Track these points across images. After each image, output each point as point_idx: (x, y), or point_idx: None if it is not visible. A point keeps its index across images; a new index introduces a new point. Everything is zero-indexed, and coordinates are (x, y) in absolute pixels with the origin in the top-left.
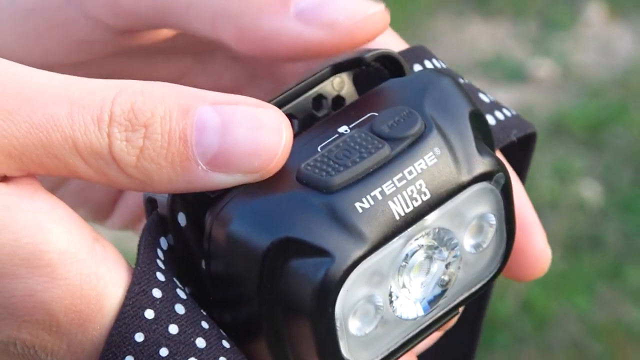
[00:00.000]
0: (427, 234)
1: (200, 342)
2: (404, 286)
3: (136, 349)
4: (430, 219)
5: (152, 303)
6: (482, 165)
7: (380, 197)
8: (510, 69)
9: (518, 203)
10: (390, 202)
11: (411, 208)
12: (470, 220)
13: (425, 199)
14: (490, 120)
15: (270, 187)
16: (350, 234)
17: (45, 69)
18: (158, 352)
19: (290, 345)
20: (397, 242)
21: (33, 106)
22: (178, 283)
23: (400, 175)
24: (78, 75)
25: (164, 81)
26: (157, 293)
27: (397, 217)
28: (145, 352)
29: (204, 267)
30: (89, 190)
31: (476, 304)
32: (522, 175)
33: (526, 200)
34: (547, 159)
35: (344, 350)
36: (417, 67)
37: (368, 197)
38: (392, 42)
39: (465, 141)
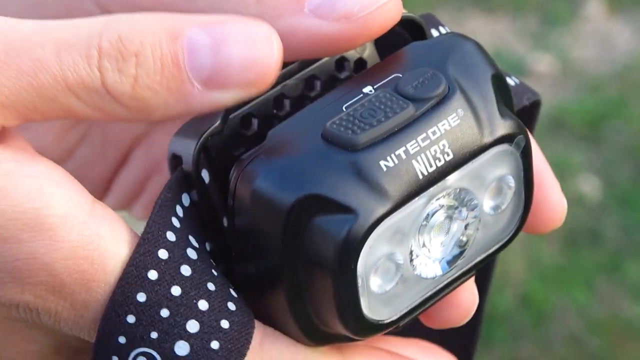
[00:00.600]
0: (448, 194)
1: (203, 305)
2: (424, 245)
3: (138, 309)
4: (452, 179)
5: (157, 264)
6: (503, 127)
7: (404, 156)
8: (509, 64)
9: (534, 158)
10: (414, 161)
11: (434, 167)
12: (490, 182)
13: (448, 159)
14: None
15: (295, 144)
16: (374, 192)
17: None
18: (159, 312)
19: (310, 300)
20: (419, 201)
21: (19, 53)
22: (193, 241)
23: (424, 135)
24: None
25: None
26: (163, 254)
27: (420, 176)
28: (146, 312)
29: (226, 223)
30: (86, 169)
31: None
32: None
33: (539, 154)
34: (546, 154)
35: (364, 306)
36: (433, 32)
37: (392, 155)
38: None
39: (488, 103)
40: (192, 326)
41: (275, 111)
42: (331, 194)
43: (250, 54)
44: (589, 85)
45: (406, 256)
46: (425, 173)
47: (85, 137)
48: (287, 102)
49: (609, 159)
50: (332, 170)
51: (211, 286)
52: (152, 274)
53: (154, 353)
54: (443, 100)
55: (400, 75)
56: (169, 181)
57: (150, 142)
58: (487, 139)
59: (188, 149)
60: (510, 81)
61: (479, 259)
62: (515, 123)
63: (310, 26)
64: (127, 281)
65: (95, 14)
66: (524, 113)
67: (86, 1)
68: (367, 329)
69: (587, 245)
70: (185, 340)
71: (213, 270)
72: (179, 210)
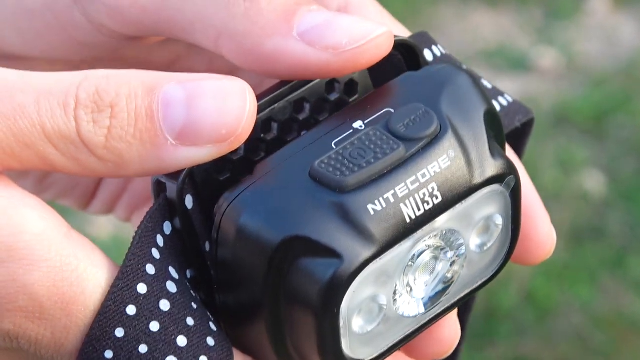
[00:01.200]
0: (436, 235)
1: (182, 341)
2: (408, 285)
3: (116, 344)
4: (440, 220)
5: (136, 299)
6: (494, 167)
7: (392, 200)
8: (514, 59)
9: (522, 186)
10: (402, 205)
11: (422, 211)
12: (478, 221)
13: (436, 202)
14: (496, 105)
15: (283, 182)
16: (360, 236)
17: (46, 65)
18: (137, 348)
19: (291, 336)
20: (405, 244)
21: (1, 97)
22: (173, 272)
23: (413, 178)
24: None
25: (160, 64)
26: (142, 288)
27: (408, 220)
28: (124, 347)
29: (208, 250)
30: (75, 178)
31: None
32: (519, 158)
33: (529, 184)
34: (550, 149)
35: (345, 347)
36: (426, 53)
37: (381, 199)
38: (394, 29)
39: (479, 142)
40: None
41: (262, 135)
42: (317, 237)
43: (221, 109)
44: (593, 80)
45: (390, 297)
46: (413, 217)
47: None
48: (275, 126)
49: (613, 154)
50: (319, 212)
51: (190, 321)
52: (131, 309)
53: None
54: (434, 141)
55: (392, 111)
56: (150, 209)
57: None
58: (477, 180)
59: (173, 177)
60: (503, 100)
61: (462, 294)
62: (505, 163)
63: (297, 51)
64: (105, 316)
65: (83, 25)
66: (516, 133)
67: (75, 12)
68: None
69: (591, 241)
70: None
71: (193, 303)
72: (160, 240)
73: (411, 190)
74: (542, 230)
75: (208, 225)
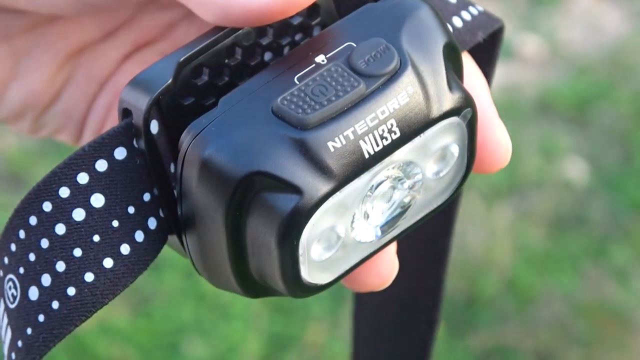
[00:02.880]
0: (394, 167)
1: (78, 251)
2: (366, 213)
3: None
4: (398, 154)
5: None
6: (451, 101)
7: (352, 137)
8: None
9: (478, 97)
10: (361, 141)
11: (380, 147)
12: (435, 151)
13: (394, 137)
14: (457, 22)
15: (247, 117)
16: (320, 172)
17: (49, 19)
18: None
19: (252, 262)
20: (364, 177)
21: None
22: (107, 197)
23: (372, 115)
24: (84, 22)
25: (153, 29)
26: (46, 206)
27: (367, 156)
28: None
29: (173, 171)
30: (72, 110)
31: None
32: (489, 68)
33: (487, 96)
34: (533, 137)
35: (304, 273)
36: None
37: (340, 136)
38: None
39: (438, 77)
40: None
41: (226, 60)
42: (279, 172)
43: None
44: (577, 67)
45: (348, 226)
46: (372, 152)
47: (70, 79)
48: (239, 51)
49: (596, 142)
50: (281, 149)
51: (96, 237)
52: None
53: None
54: (393, 78)
55: (354, 45)
56: (97, 137)
57: (119, 72)
58: (435, 114)
59: (139, 104)
60: (467, 15)
61: (418, 218)
62: (462, 96)
63: (242, 1)
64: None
65: None
66: (480, 48)
67: None
68: (305, 291)
69: (573, 229)
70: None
71: (114, 222)
72: (102, 165)
73: (370, 127)
74: (496, 139)
75: (172, 148)
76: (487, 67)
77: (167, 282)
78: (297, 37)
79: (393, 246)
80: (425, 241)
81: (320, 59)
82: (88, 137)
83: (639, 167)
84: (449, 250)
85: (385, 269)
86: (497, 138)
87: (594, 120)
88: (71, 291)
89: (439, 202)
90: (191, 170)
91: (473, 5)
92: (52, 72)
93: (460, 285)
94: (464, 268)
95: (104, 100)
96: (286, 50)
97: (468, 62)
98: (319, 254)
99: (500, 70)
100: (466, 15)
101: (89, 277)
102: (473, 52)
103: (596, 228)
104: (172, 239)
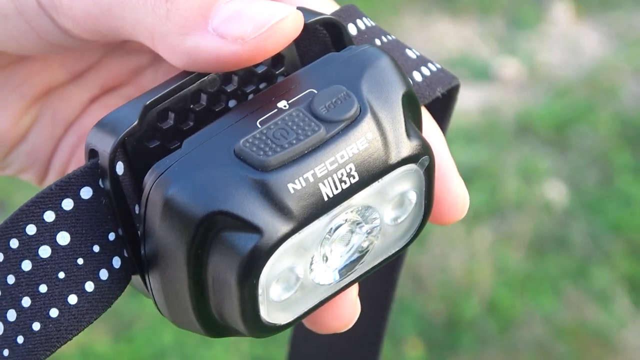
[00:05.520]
0: (352, 210)
1: (42, 288)
2: (324, 256)
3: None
4: (357, 198)
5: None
6: (409, 148)
7: (312, 180)
8: (476, 68)
9: (437, 152)
10: (320, 184)
11: (339, 190)
12: (393, 197)
13: (353, 181)
14: (417, 76)
15: (210, 158)
16: (280, 213)
17: (17, 59)
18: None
19: (213, 301)
20: (323, 219)
21: None
22: (74, 236)
23: (332, 159)
24: (51, 64)
25: (120, 74)
26: (13, 243)
27: (326, 198)
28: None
29: (137, 212)
30: (38, 151)
31: (389, 269)
32: (444, 123)
33: (444, 148)
34: (513, 159)
35: (263, 313)
36: (350, 27)
37: (300, 178)
38: (324, 3)
39: (397, 124)
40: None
41: (191, 105)
42: (240, 212)
43: (260, 10)
44: (555, 89)
45: (306, 267)
46: (331, 195)
47: (37, 120)
48: (204, 97)
49: (575, 165)
50: (243, 190)
51: (61, 274)
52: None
53: None
54: (353, 124)
55: (315, 92)
56: (65, 176)
57: (85, 115)
58: (393, 160)
59: (105, 145)
60: (426, 70)
61: (376, 263)
62: (420, 143)
63: (211, 46)
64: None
65: (52, 31)
66: (439, 103)
67: (44, 18)
68: (265, 331)
69: (553, 251)
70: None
71: (79, 260)
72: (68, 203)
73: (330, 171)
74: (454, 192)
75: (137, 189)
76: (442, 121)
77: (148, 307)
78: (261, 85)
79: (355, 289)
80: (370, 291)
81: (282, 104)
82: (53, 178)
83: (618, 189)
84: (391, 303)
85: (347, 312)
86: (455, 191)
87: (573, 143)
88: (36, 326)
89: (396, 248)
90: (154, 209)
91: (432, 62)
92: (19, 112)
93: (441, 308)
94: (444, 290)
95: (70, 142)
96: (250, 97)
97: (425, 116)
98: (278, 294)
99: (479, 93)
100: (425, 71)
101: (54, 312)
102: (429, 107)
103: (576, 250)
104: (136, 278)
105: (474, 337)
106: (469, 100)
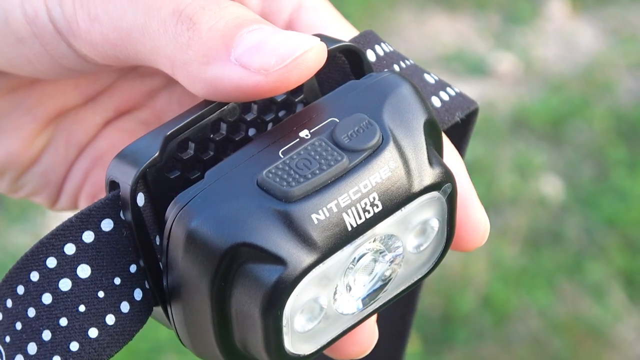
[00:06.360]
0: (375, 240)
1: (63, 321)
2: (348, 285)
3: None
4: (380, 227)
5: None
6: (432, 177)
7: (335, 210)
8: (472, 63)
9: (457, 177)
10: (344, 214)
11: (363, 219)
12: (416, 225)
13: (377, 210)
14: (436, 102)
15: (232, 189)
16: (304, 244)
17: (30, 81)
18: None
19: (236, 333)
20: (346, 250)
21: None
22: (95, 268)
23: (355, 188)
24: (65, 86)
25: (134, 97)
26: (34, 276)
27: (350, 228)
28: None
29: (158, 244)
30: (51, 173)
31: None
32: (462, 148)
33: (464, 174)
34: (508, 154)
35: (287, 344)
36: (369, 53)
37: (324, 209)
38: (343, 29)
39: (419, 152)
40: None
41: (212, 135)
42: (263, 244)
43: (283, 43)
44: (551, 84)
45: (330, 297)
46: (355, 225)
47: (50, 142)
48: (223, 126)
49: (571, 159)
50: (266, 221)
51: (82, 307)
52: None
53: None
54: (376, 153)
55: (337, 120)
56: (86, 208)
57: (99, 138)
58: (416, 189)
59: (126, 177)
60: (445, 95)
61: (399, 291)
62: (443, 171)
63: (234, 76)
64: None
65: (69, 55)
66: (457, 127)
67: (61, 43)
68: None
69: (548, 246)
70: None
71: (99, 292)
72: (88, 236)
73: (353, 200)
74: (474, 219)
75: (158, 220)
76: (461, 146)
77: None
78: (281, 113)
79: (373, 318)
80: (389, 316)
81: (304, 133)
82: (65, 201)
83: (613, 183)
84: (410, 326)
85: (365, 338)
86: (476, 218)
87: (569, 138)
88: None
89: (418, 275)
90: (177, 241)
91: (450, 86)
92: (32, 134)
93: (436, 303)
94: (439, 285)
95: (83, 165)
96: (269, 126)
97: (444, 142)
98: (302, 325)
99: (475, 88)
100: (444, 96)
101: (74, 346)
102: (448, 132)
103: (571, 244)
104: (157, 310)
105: (469, 331)
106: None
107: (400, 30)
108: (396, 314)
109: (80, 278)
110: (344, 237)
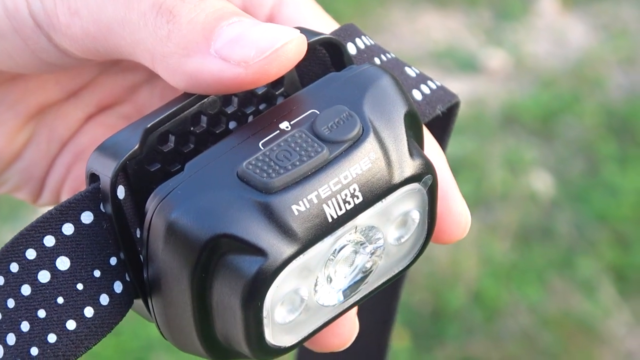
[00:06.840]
0: (356, 231)
1: (41, 313)
2: (328, 277)
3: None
4: (361, 218)
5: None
6: (412, 168)
7: (315, 201)
8: (463, 60)
9: (438, 169)
10: (324, 205)
11: (343, 211)
12: (397, 217)
13: (357, 202)
14: (417, 95)
15: (212, 181)
16: (284, 235)
17: (12, 77)
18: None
19: (217, 325)
20: (327, 241)
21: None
22: (73, 260)
23: (336, 179)
24: (46, 82)
25: (116, 92)
26: (14, 267)
27: (330, 220)
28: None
29: (139, 237)
30: (33, 169)
31: (391, 286)
32: (444, 141)
33: (446, 167)
34: (498, 150)
35: (268, 335)
36: (350, 46)
37: (305, 200)
38: (324, 23)
39: (399, 144)
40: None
41: (192, 128)
42: (244, 235)
43: (263, 34)
44: (542, 80)
45: (311, 289)
46: (335, 216)
47: (32, 137)
48: (204, 119)
49: (561, 155)
50: (246, 212)
51: (60, 299)
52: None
53: None
54: (356, 144)
55: (317, 112)
56: (65, 201)
57: (81, 133)
58: (396, 180)
59: (106, 170)
60: (426, 88)
61: (379, 283)
62: (423, 162)
63: (214, 68)
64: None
65: (49, 49)
66: (439, 120)
67: (41, 37)
68: (269, 354)
69: (539, 241)
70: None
71: (78, 285)
72: (68, 228)
73: (333, 192)
74: (455, 211)
75: (138, 213)
76: (442, 139)
77: None
78: (261, 106)
79: (353, 310)
80: (372, 307)
81: (284, 125)
82: (47, 196)
83: (604, 179)
84: (395, 314)
85: (346, 330)
86: (457, 210)
87: (559, 133)
88: (34, 351)
89: (399, 267)
90: (157, 233)
91: (431, 79)
92: (14, 129)
93: (427, 298)
94: (430, 281)
95: (65, 160)
96: (250, 119)
97: (425, 134)
98: (282, 316)
99: (466, 84)
100: (425, 89)
101: (52, 338)
102: (429, 125)
103: (562, 240)
104: (138, 303)
105: (459, 327)
106: (455, 92)
107: (391, 26)
108: (379, 306)
109: (59, 270)
110: (325, 229)
